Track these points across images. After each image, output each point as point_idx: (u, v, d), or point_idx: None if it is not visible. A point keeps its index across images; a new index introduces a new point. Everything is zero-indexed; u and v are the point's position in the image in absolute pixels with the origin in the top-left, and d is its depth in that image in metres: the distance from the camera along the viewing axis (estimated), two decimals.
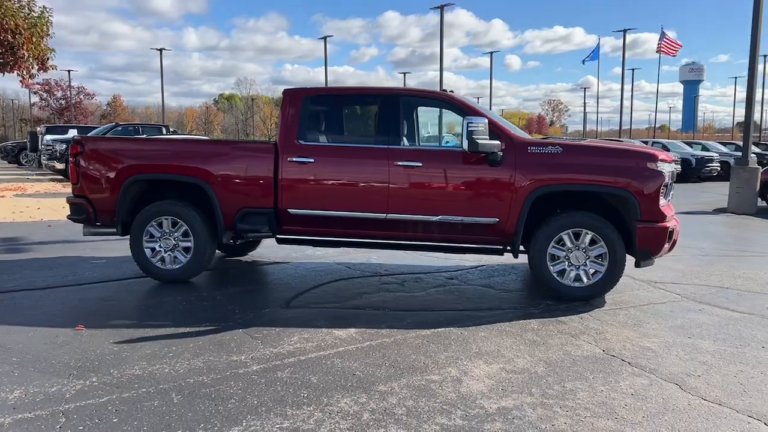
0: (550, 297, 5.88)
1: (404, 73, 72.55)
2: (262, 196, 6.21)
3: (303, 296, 6.02)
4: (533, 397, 3.65)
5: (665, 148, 28.18)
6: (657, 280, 6.69)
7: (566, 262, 5.79)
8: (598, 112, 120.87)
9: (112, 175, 6.44)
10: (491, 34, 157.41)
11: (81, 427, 3.24)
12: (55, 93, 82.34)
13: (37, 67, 11.10)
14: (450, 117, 7.00)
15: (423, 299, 5.89)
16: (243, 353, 4.34)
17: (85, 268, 7.13)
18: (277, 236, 6.38)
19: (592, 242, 5.73)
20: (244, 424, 3.28)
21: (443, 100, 6.21)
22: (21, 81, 11.56)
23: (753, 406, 3.54)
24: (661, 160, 5.69)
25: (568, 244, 5.75)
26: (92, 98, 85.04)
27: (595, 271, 5.77)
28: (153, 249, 6.45)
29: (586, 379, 3.91)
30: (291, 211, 6.19)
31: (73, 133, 24.04)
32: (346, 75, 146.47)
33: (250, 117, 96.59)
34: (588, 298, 5.78)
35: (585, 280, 5.78)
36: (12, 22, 9.93)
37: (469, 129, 5.56)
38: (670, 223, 5.70)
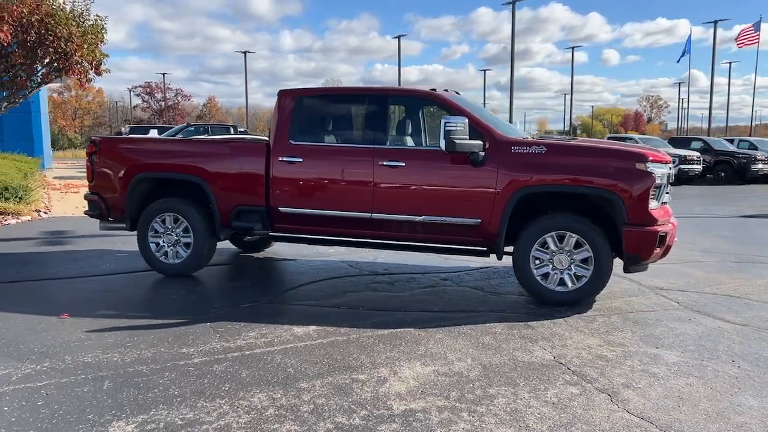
0: (535, 301, 5.71)
1: (484, 70, 71.76)
2: (255, 195, 6.38)
3: (289, 293, 6.15)
4: (448, 400, 3.59)
5: (753, 147, 26.42)
6: (664, 286, 6.36)
7: (550, 266, 5.62)
8: (711, 108, 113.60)
9: (121, 173, 6.81)
10: (588, 29, 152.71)
11: (6, 408, 3.48)
12: (156, 95, 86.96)
13: (93, 72, 11.81)
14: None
15: (403, 299, 5.88)
16: (195, 346, 4.50)
17: (105, 260, 7.57)
18: (270, 234, 6.53)
19: (577, 245, 5.53)
20: (151, 412, 3.43)
21: (429, 99, 6.16)
22: (79, 84, 12.35)
23: (676, 422, 3.35)
24: (652, 161, 5.41)
25: (552, 247, 5.58)
26: (189, 99, 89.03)
27: (581, 276, 5.55)
28: (157, 244, 6.76)
29: (514, 386, 3.81)
30: (282, 209, 6.33)
31: (153, 132, 25.39)
32: (435, 73, 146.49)
33: None
34: (572, 304, 5.59)
35: (569, 284, 5.58)
36: (65, 31, 10.65)
37: (446, 129, 5.50)
38: (662, 228, 5.41)
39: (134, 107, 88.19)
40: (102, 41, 11.59)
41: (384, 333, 4.82)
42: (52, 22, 10.37)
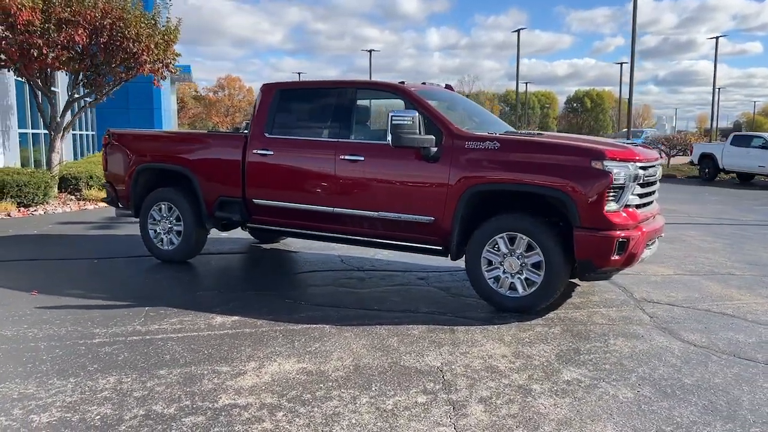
0: (492, 306, 5.38)
1: (620, 63, 67.53)
2: (234, 186, 6.55)
3: (256, 282, 6.25)
4: (280, 399, 3.51)
5: None
6: (658, 299, 5.76)
7: (501, 269, 5.28)
8: None
9: (126, 164, 7.27)
10: (764, 16, 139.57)
11: None
12: None
13: (167, 72, 12.65)
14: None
15: (360, 296, 5.77)
16: (110, 327, 4.73)
17: (119, 244, 8.09)
18: (248, 225, 6.68)
19: (529, 248, 5.14)
20: (2, 385, 3.66)
21: (393, 92, 5.98)
22: (153, 83, 13.29)
23: None
24: (612, 159, 4.90)
25: (503, 249, 5.24)
26: None
27: (532, 281, 5.16)
28: (155, 230, 7.15)
29: (364, 390, 3.64)
30: (256, 201, 6.45)
31: None
32: (586, 67, 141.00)
33: None
34: (522, 311, 5.21)
35: (520, 290, 5.21)
36: (133, 32, 11.50)
37: (393, 123, 5.33)
38: (622, 233, 4.89)
39: None
40: (174, 42, 12.34)
41: (296, 328, 4.77)
42: (121, 24, 11.22)
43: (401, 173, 5.62)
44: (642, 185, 5.19)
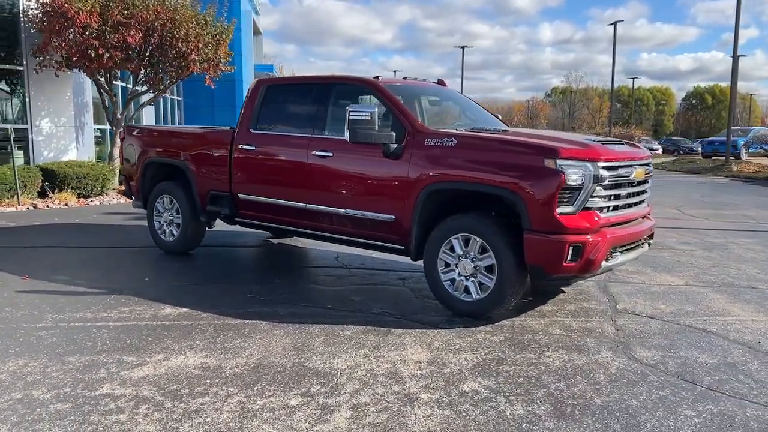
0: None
1: (735, 57, 62.71)
2: (222, 180, 6.68)
3: (234, 276, 6.34)
4: (149, 391, 3.53)
5: None
6: (641, 311, 5.32)
7: (456, 271, 5.05)
8: None
9: (136, 158, 7.59)
10: None
11: None
12: None
13: (219, 70, 13.11)
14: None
15: (325, 294, 5.72)
16: (65, 313, 4.94)
17: (140, 235, 8.43)
18: (235, 219, 6.78)
19: (483, 251, 4.89)
20: None
21: (363, 86, 5.86)
22: (206, 81, 13.79)
23: None
24: (567, 158, 4.56)
25: (458, 250, 5.01)
26: None
27: (486, 286, 4.91)
28: (159, 222, 7.42)
29: (240, 388, 3.59)
30: (240, 196, 6.54)
31: None
32: (713, 61, 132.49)
33: (578, 110, 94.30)
34: (475, 315, 4.96)
35: (474, 293, 4.97)
36: (183, 32, 12.00)
37: (350, 118, 5.24)
38: (576, 238, 4.55)
39: None
40: (225, 41, 12.74)
41: (233, 323, 4.79)
42: (169, 25, 11.73)
43: (364, 170, 5.51)
44: (611, 186, 4.78)
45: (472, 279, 4.94)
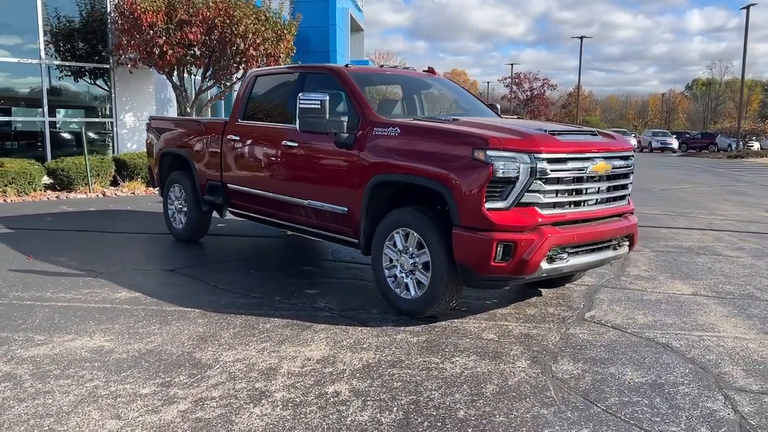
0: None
1: None
2: (216, 171, 6.82)
3: (214, 265, 6.45)
4: (23, 369, 3.62)
5: None
6: (606, 320, 4.80)
7: (398, 267, 4.83)
8: None
9: (155, 148, 7.94)
10: None
11: None
12: (523, 85, 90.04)
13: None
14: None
15: (282, 285, 5.64)
16: (29, 291, 5.24)
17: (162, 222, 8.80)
18: (228, 209, 6.89)
19: (420, 246, 4.64)
20: None
21: (327, 74, 5.71)
22: None
23: None
24: (496, 148, 4.20)
25: (399, 245, 4.78)
26: (555, 89, 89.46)
27: (423, 284, 4.65)
28: (172, 210, 7.72)
29: (106, 372, 3.62)
30: (229, 186, 6.64)
31: None
32: None
33: (722, 103, 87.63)
34: (411, 314, 4.71)
35: (412, 291, 4.72)
36: (242, 28, 12.37)
37: (300, 106, 5.14)
38: (507, 236, 4.19)
39: (502, 98, 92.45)
40: (285, 37, 13.00)
41: (166, 309, 4.86)
42: (228, 22, 12.13)
43: (321, 160, 5.40)
44: (557, 181, 4.33)
45: (410, 276, 4.67)
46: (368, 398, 3.32)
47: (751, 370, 3.83)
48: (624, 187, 4.88)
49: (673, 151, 46.05)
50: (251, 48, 12.25)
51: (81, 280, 5.63)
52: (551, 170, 4.23)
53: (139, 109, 14.71)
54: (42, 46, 13.28)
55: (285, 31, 12.99)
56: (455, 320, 4.66)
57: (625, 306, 5.13)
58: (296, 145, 5.60)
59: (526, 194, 4.20)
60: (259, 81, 6.50)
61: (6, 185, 11.27)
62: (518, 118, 27.04)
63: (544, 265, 4.27)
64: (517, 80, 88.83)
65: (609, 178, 4.68)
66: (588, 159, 4.45)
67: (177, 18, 12.02)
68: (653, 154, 44.73)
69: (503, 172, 4.11)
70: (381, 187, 4.86)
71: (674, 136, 49.60)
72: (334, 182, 5.24)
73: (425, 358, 3.90)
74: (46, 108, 13.54)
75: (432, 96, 6.38)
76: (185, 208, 7.38)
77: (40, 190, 11.89)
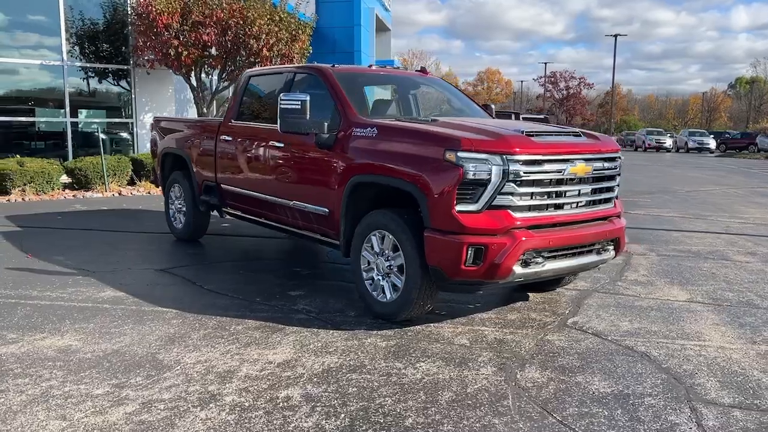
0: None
1: None
2: (211, 171, 6.85)
3: (207, 266, 6.48)
4: None
5: None
6: (589, 327, 4.66)
7: (375, 270, 4.78)
8: None
9: (158, 148, 8.02)
10: None
11: None
12: (559, 84, 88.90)
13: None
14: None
15: (268, 287, 5.62)
16: (17, 290, 5.33)
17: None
18: (222, 209, 6.90)
19: (395, 249, 4.57)
20: None
21: (316, 76, 5.67)
22: None
23: None
24: (468, 150, 4.11)
25: (376, 248, 4.73)
26: (591, 88, 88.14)
27: (398, 287, 4.59)
28: (172, 210, 7.79)
29: (63, 372, 3.64)
30: (223, 186, 6.67)
31: None
32: None
33: (766, 102, 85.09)
34: (387, 318, 4.64)
35: (387, 294, 4.66)
36: (255, 29, 12.44)
37: (281, 107, 5.12)
38: (477, 239, 4.10)
39: (537, 97, 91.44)
40: (300, 38, 13.03)
41: (144, 309, 4.88)
42: (241, 23, 12.21)
43: (305, 161, 5.37)
44: (533, 183, 4.22)
45: (386, 279, 4.61)
46: (318, 404, 3.27)
47: (728, 381, 3.66)
48: (609, 189, 4.73)
49: (710, 151, 44.86)
50: (264, 48, 12.29)
51: (71, 278, 5.70)
52: (525, 172, 4.12)
53: (159, 110, 14.90)
54: (64, 48, 13.57)
55: (300, 32, 12.98)
56: (431, 324, 4.57)
57: (612, 312, 4.97)
58: (282, 145, 5.57)
59: (498, 197, 4.09)
60: (252, 81, 6.50)
61: (25, 184, 11.52)
62: (545, 118, 26.63)
63: (518, 269, 4.16)
64: (552, 79, 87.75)
65: (591, 180, 4.54)
66: (566, 161, 4.32)
67: (191, 19, 12.11)
68: (689, 154, 43.66)
69: (474, 174, 4.02)
70: (359, 189, 4.80)
71: (712, 135, 48.31)
72: (315, 183, 5.20)
73: (389, 363, 3.83)
74: (68, 109, 13.82)
75: (422, 96, 6.29)
76: (185, 208, 7.42)
77: (59, 189, 12.11)
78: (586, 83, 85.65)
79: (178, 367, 3.71)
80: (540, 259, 4.25)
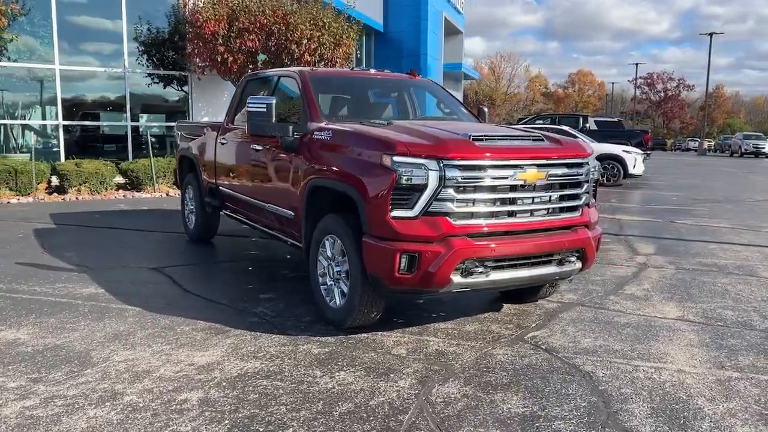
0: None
1: None
2: (213, 173, 7.03)
3: (199, 266, 6.64)
4: None
5: None
6: (546, 343, 4.41)
7: (327, 275, 4.74)
8: None
9: (177, 150, 8.30)
10: None
11: None
12: (656, 86, 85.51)
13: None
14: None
15: (239, 289, 5.69)
16: (16, 284, 5.62)
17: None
18: (223, 211, 7.05)
19: (343, 254, 4.52)
20: None
21: (293, 78, 5.68)
22: None
23: None
24: (403, 154, 4.00)
25: (328, 252, 4.69)
26: (691, 89, 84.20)
27: (346, 293, 4.54)
28: (187, 211, 8.04)
29: None
30: (221, 188, 6.82)
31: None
32: None
33: None
34: (335, 324, 4.58)
35: (337, 300, 4.61)
36: (297, 34, 12.63)
37: (248, 110, 5.18)
38: (410, 246, 3.98)
39: (631, 99, 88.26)
40: (343, 43, 13.13)
41: (110, 306, 5.04)
42: (284, 28, 12.44)
43: (275, 164, 5.40)
44: (474, 189, 4.04)
45: (337, 284, 4.55)
46: (209, 409, 3.25)
47: (662, 409, 3.36)
48: (574, 197, 4.45)
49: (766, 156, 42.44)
50: (306, 53, 12.44)
51: (66, 275, 5.97)
52: (463, 178, 3.95)
53: (214, 115, 15.41)
54: (126, 56, 14.31)
55: (344, 36, 13.06)
56: (379, 333, 4.46)
57: (582, 327, 4.68)
58: (260, 149, 5.62)
59: (435, 203, 3.94)
60: (250, 84, 6.60)
61: (80, 184, 12.22)
62: (618, 121, 25.53)
63: (458, 278, 3.99)
64: (648, 81, 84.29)
65: (549, 187, 4.29)
66: (513, 166, 4.10)
67: (238, 25, 12.44)
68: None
69: (408, 179, 3.89)
70: (316, 192, 4.76)
71: None
72: (282, 186, 5.21)
73: (308, 371, 3.76)
74: (128, 113, 14.55)
75: (403, 99, 6.16)
76: (195, 210, 7.62)
77: (112, 190, 12.75)
78: (686, 85, 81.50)
79: (103, 365, 3.79)
80: (482, 269, 4.05)
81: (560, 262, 4.39)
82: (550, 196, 4.30)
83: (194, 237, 7.70)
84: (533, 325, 4.73)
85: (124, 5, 14.19)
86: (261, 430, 3.05)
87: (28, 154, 13.03)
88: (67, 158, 13.58)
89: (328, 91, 5.53)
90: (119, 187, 13.06)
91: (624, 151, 16.66)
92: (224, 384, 3.56)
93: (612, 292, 5.69)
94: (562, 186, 4.36)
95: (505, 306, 5.20)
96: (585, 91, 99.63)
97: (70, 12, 14.11)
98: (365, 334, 4.42)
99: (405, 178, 3.87)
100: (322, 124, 4.84)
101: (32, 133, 14.85)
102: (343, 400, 3.38)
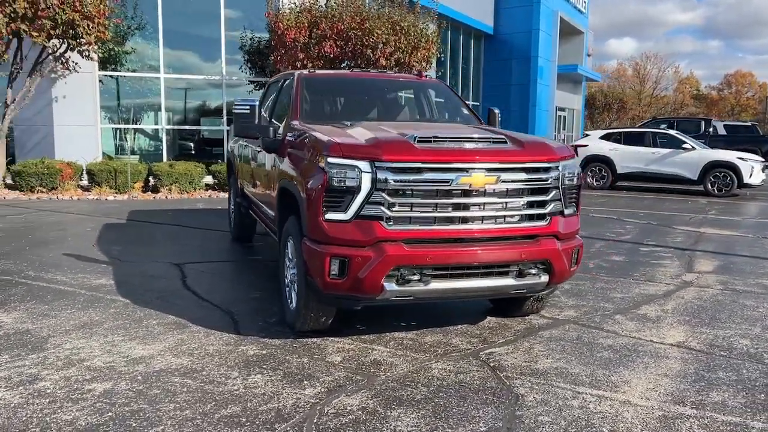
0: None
1: None
2: (241, 175, 7.27)
3: (217, 264, 6.88)
4: None
5: None
6: (503, 361, 4.17)
7: (288, 277, 4.76)
8: None
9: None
10: None
11: None
12: None
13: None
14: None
15: (229, 290, 5.81)
16: (47, 273, 6.18)
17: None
18: (249, 212, 7.26)
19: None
20: None
21: (291, 80, 5.73)
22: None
23: None
24: (335, 155, 3.91)
25: (290, 254, 4.71)
26: None
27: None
28: (230, 211, 8.38)
29: None
30: (244, 189, 7.05)
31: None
32: None
33: None
34: (291, 328, 4.57)
35: (293, 303, 4.61)
36: (372, 39, 12.71)
37: (234, 111, 5.32)
38: (339, 250, 3.90)
39: None
40: (422, 47, 13.06)
41: (101, 296, 5.34)
42: (360, 34, 12.58)
43: (263, 165, 5.49)
44: (415, 193, 3.87)
45: (292, 287, 4.53)
46: (104, 400, 3.34)
47: None
48: (537, 204, 4.10)
49: None
50: (381, 58, 12.49)
51: (93, 266, 6.40)
52: (397, 180, 3.77)
53: None
54: (224, 64, 15.18)
55: (423, 40, 12.97)
56: (329, 338, 4.38)
57: (552, 348, 4.31)
58: (255, 149, 5.73)
59: (368, 206, 3.80)
60: (269, 87, 6.74)
61: (171, 183, 13.08)
62: (752, 125, 23.25)
63: (391, 286, 3.83)
64: None
65: (505, 193, 3.99)
66: (456, 170, 3.85)
67: (317, 33, 12.75)
68: None
69: (339, 181, 3.79)
70: (284, 193, 4.76)
71: None
72: (265, 186, 5.28)
73: (227, 372, 3.77)
74: (224, 118, 15.39)
75: (399, 100, 5.98)
76: (234, 209, 7.90)
77: (201, 189, 13.53)
78: None
79: (49, 351, 4.02)
80: (420, 277, 3.84)
81: (520, 274, 4.06)
82: (506, 203, 3.99)
83: (234, 236, 7.97)
84: (500, 341, 4.41)
85: (223, 18, 15.03)
86: (134, 425, 3.07)
87: (137, 156, 14.18)
88: (168, 160, 14.59)
89: (323, 92, 5.52)
90: (208, 187, 13.80)
91: (739, 158, 15.10)
92: (139, 378, 3.64)
93: (622, 311, 5.18)
94: (522, 192, 4.02)
95: (489, 319, 4.90)
96: (743, 93, 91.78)
97: (174, 24, 15.17)
98: (313, 339, 4.35)
99: (337, 179, 3.76)
100: (294, 126, 4.82)
101: (142, 136, 16.13)
102: (236, 404, 3.33)
